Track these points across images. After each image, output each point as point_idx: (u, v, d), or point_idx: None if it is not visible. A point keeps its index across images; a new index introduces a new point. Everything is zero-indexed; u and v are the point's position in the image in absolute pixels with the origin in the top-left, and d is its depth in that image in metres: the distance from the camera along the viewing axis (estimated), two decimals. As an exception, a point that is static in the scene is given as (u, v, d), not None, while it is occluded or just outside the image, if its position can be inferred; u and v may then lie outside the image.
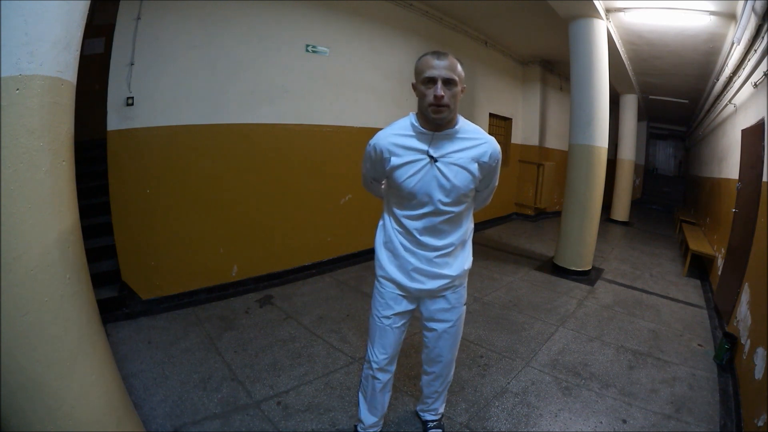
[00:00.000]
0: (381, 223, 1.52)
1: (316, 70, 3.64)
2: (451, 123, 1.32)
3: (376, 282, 1.53)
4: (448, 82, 1.23)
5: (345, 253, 4.17)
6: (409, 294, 1.48)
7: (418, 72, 1.27)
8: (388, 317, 1.49)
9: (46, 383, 1.10)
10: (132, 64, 2.61)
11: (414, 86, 1.31)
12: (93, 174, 3.37)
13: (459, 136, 1.33)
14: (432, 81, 1.22)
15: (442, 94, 1.21)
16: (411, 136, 1.32)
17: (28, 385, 1.08)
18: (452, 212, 1.37)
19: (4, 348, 1.03)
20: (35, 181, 1.05)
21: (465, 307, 1.58)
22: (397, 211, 1.41)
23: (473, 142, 1.34)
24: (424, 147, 1.31)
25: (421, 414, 1.84)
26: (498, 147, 1.39)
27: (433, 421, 1.81)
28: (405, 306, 1.50)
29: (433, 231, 1.39)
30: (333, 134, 3.84)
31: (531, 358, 2.54)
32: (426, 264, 1.41)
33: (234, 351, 2.42)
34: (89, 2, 1.19)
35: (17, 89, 0.99)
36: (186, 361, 2.29)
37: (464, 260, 1.50)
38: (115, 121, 2.63)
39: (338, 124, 3.89)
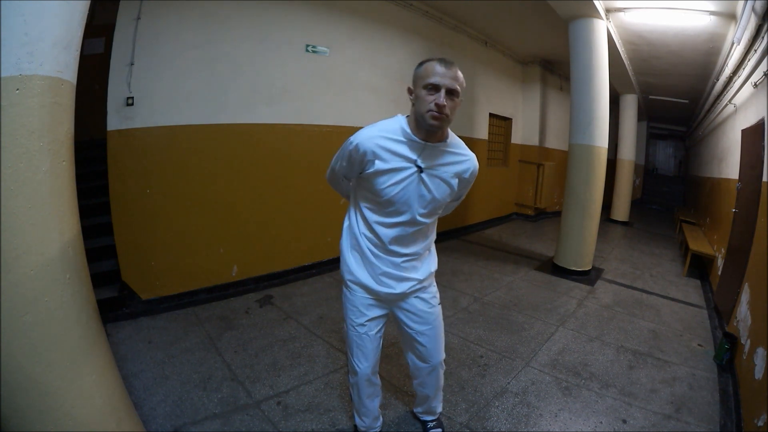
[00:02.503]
0: (347, 224, 1.47)
1: (316, 70, 3.64)
2: (442, 135, 1.29)
3: (344, 289, 1.49)
4: (451, 93, 1.19)
5: (345, 253, 4.16)
6: (379, 298, 1.45)
7: (420, 76, 1.21)
8: (363, 324, 1.46)
9: (46, 383, 1.10)
10: (132, 64, 2.61)
11: (410, 90, 1.26)
12: (93, 174, 3.37)
13: (448, 149, 1.31)
14: (435, 88, 1.17)
15: (445, 103, 1.17)
16: (401, 142, 1.26)
17: (28, 385, 1.08)
18: (425, 223, 1.37)
19: (4, 348, 1.03)
20: (35, 181, 1.05)
21: (440, 306, 1.56)
22: (370, 216, 1.36)
23: (459, 157, 1.33)
24: (413, 156, 1.26)
25: (419, 415, 1.84)
26: (477, 164, 1.39)
27: (432, 420, 1.81)
28: (377, 311, 1.47)
29: (402, 240, 1.37)
30: (333, 134, 3.84)
31: (531, 358, 2.54)
32: (393, 268, 1.40)
33: (234, 351, 2.42)
34: (89, 2, 1.19)
35: (17, 89, 0.99)
36: (186, 361, 2.29)
37: (430, 264, 1.51)
38: (115, 121, 2.63)
39: (338, 124, 3.89)
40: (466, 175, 1.36)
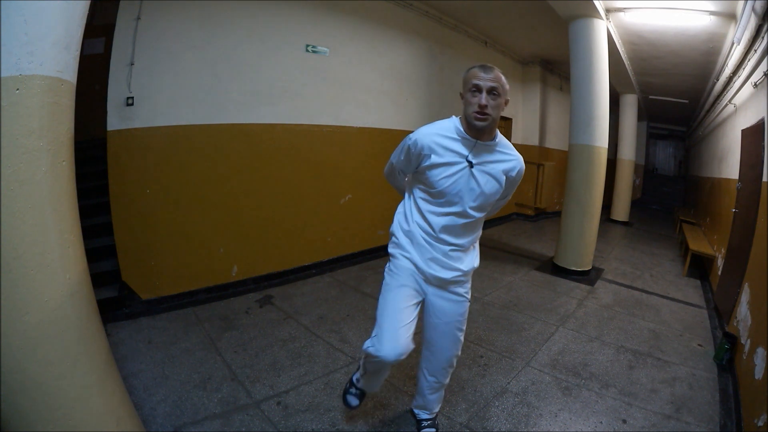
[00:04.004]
0: (401, 210, 1.58)
1: (316, 70, 3.64)
2: (491, 134, 1.40)
3: (390, 263, 1.55)
4: (492, 92, 1.31)
5: (345, 253, 4.17)
6: (423, 276, 1.52)
7: (466, 81, 1.36)
8: (402, 285, 1.49)
9: (46, 383, 1.10)
10: (132, 64, 2.61)
11: (461, 95, 1.39)
12: (93, 174, 3.37)
13: (497, 148, 1.42)
14: (478, 90, 1.31)
15: (486, 102, 1.30)
16: (455, 139, 1.39)
17: (28, 385, 1.08)
18: (474, 217, 1.46)
19: (4, 348, 1.03)
20: (35, 181, 1.05)
21: (469, 303, 1.62)
22: (424, 206, 1.48)
23: (506, 156, 1.44)
24: (465, 152, 1.39)
25: (417, 412, 1.83)
26: (524, 165, 1.50)
27: (427, 419, 1.80)
28: (416, 284, 1.51)
29: (451, 230, 1.46)
30: (333, 134, 3.84)
31: (531, 358, 2.54)
32: (442, 255, 1.49)
33: (234, 351, 2.42)
34: (89, 2, 1.19)
35: (17, 89, 0.99)
36: (186, 361, 2.29)
37: (474, 258, 1.59)
38: (115, 121, 2.63)
39: (338, 124, 3.89)
40: (513, 174, 1.45)
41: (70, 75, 1.15)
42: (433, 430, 1.78)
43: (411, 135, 1.43)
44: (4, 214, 1.00)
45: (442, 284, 1.53)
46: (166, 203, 2.91)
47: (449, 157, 1.38)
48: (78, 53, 1.18)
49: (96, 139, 3.12)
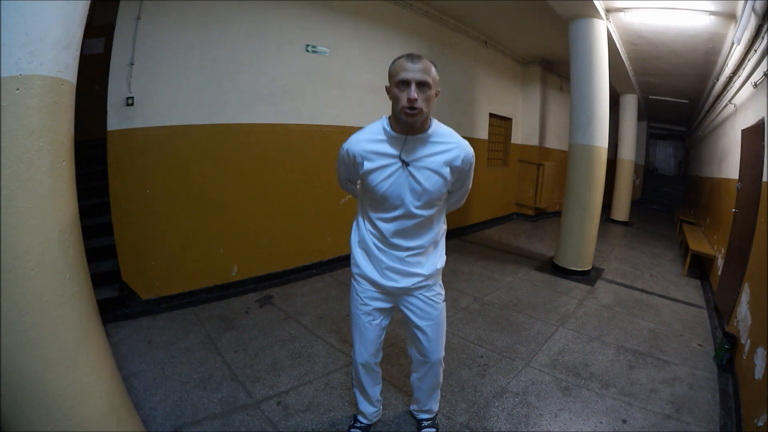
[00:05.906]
0: (355, 222, 1.55)
1: (316, 70, 3.64)
2: (423, 126, 1.31)
3: (352, 280, 1.56)
4: (422, 85, 1.22)
5: (345, 253, 4.15)
6: (384, 291, 1.50)
7: (391, 75, 1.26)
8: (366, 314, 1.53)
9: (46, 383, 1.10)
10: (132, 64, 2.61)
11: (387, 89, 1.30)
12: (93, 174, 3.37)
13: (431, 140, 1.33)
14: (406, 84, 1.22)
15: (416, 96, 1.20)
16: (383, 140, 1.33)
17: (28, 385, 1.08)
18: (423, 216, 1.39)
19: (4, 348, 1.03)
20: (35, 181, 1.05)
21: (444, 303, 1.59)
22: (371, 213, 1.44)
23: (445, 146, 1.34)
24: (396, 152, 1.32)
25: (415, 413, 1.84)
26: (471, 151, 1.38)
27: (427, 419, 1.81)
28: (381, 304, 1.53)
29: (403, 233, 1.41)
30: (333, 134, 3.84)
31: (531, 358, 2.54)
32: (398, 263, 1.44)
33: (234, 351, 2.42)
34: (89, 2, 1.19)
35: (17, 89, 0.99)
36: (186, 361, 2.29)
37: (437, 259, 1.52)
38: (115, 121, 2.63)
39: (338, 124, 3.89)
40: (458, 163, 1.35)
41: (70, 75, 1.14)
42: (433, 430, 1.79)
43: (343, 145, 1.38)
44: (4, 214, 1.00)
45: (406, 292, 1.50)
46: (166, 203, 2.91)
47: (381, 161, 1.32)
48: (78, 53, 1.17)
49: (96, 139, 3.11)
